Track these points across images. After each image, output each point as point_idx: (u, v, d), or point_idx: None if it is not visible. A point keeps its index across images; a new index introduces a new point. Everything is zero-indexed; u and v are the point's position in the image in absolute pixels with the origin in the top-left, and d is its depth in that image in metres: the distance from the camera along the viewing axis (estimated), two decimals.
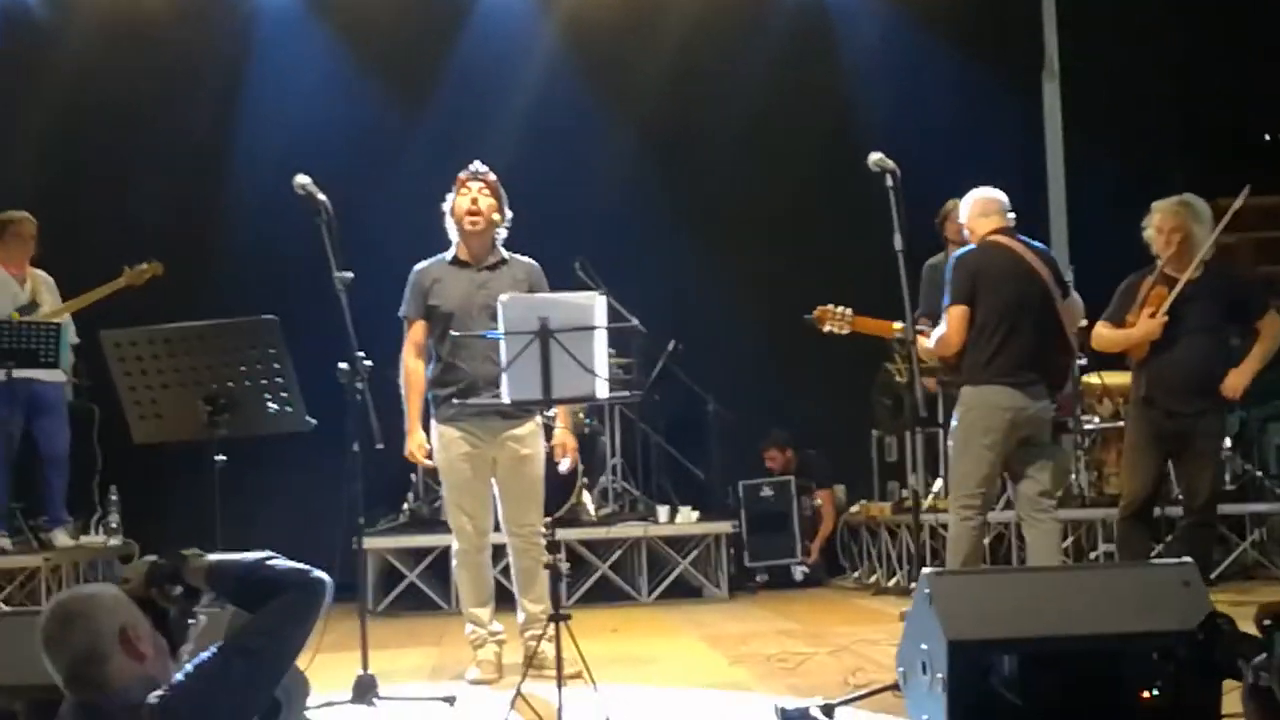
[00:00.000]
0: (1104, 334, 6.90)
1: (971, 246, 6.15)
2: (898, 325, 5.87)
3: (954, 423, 6.06)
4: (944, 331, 6.00)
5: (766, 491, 9.41)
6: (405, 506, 8.85)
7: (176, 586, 3.17)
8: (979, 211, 6.19)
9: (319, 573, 3.16)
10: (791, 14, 10.57)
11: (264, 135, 9.45)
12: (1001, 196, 6.22)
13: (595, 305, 4.75)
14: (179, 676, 2.97)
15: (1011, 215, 6.18)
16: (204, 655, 3.02)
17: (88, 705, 2.92)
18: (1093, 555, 8.53)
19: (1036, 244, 6.21)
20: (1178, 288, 6.63)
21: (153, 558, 3.19)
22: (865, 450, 9.56)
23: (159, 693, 2.89)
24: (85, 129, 9.78)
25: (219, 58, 10.03)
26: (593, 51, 10.37)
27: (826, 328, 6.15)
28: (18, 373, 7.80)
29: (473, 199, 5.90)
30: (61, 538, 8.29)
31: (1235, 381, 6.74)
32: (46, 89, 9.76)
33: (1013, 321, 5.93)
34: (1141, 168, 9.37)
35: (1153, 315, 6.63)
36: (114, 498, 8.68)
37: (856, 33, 10.53)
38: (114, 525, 8.68)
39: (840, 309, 6.11)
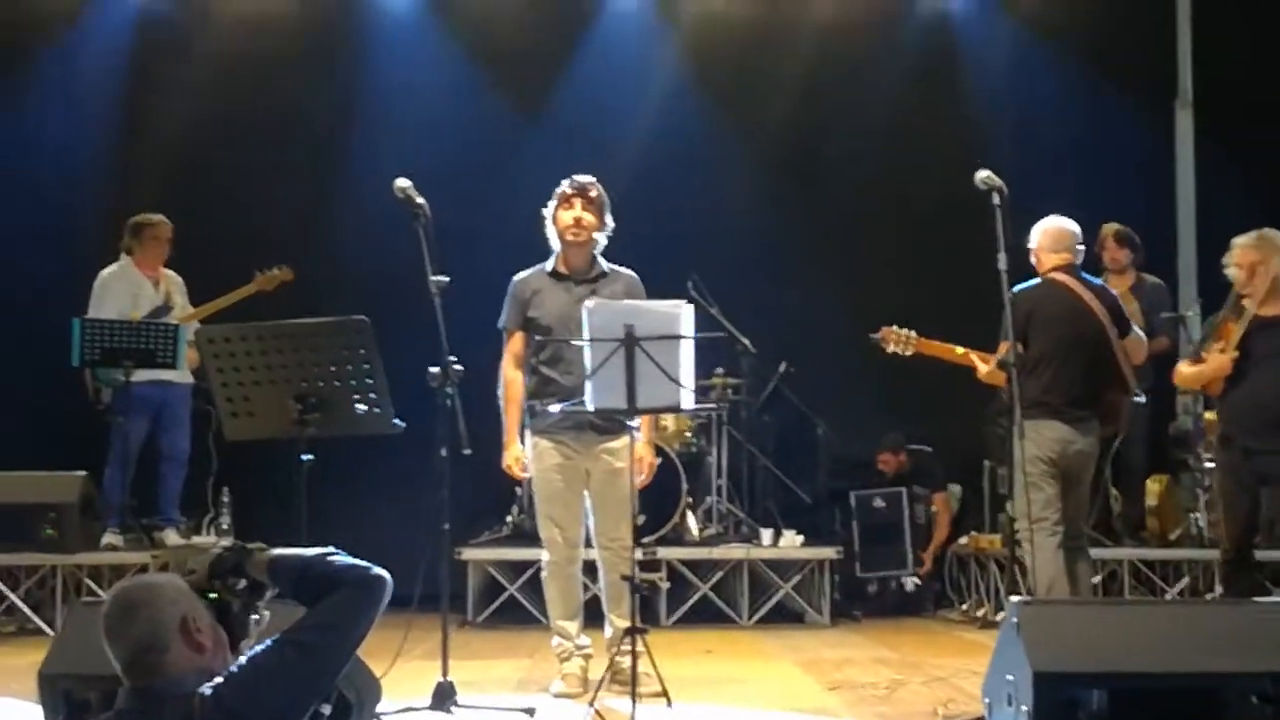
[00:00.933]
0: (1182, 371, 6.71)
1: (1034, 282, 6.32)
2: (960, 350, 5.89)
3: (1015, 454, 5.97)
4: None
5: (879, 502, 9.27)
6: (509, 519, 8.84)
7: (240, 580, 3.18)
8: (1049, 245, 6.37)
9: (379, 570, 3.15)
10: (918, 34, 10.45)
11: (380, 139, 9.54)
12: (1074, 229, 6.40)
13: (682, 314, 4.69)
14: (232, 668, 2.98)
15: (1081, 248, 6.42)
16: (258, 648, 3.04)
17: (142, 689, 2.95)
18: (1209, 597, 8.24)
19: (1095, 281, 6.45)
20: (1245, 321, 6.37)
21: (218, 550, 3.21)
22: (978, 480, 9.37)
23: (212, 683, 2.91)
24: (211, 134, 9.97)
25: (341, 63, 10.17)
26: (715, 68, 10.34)
27: (890, 348, 6.27)
28: (147, 374, 8.02)
29: (576, 215, 5.88)
30: (172, 537, 8.44)
31: None
32: (176, 96, 9.97)
33: (1064, 358, 6.18)
34: (1274, 199, 9.06)
35: (1223, 350, 6.39)
36: (226, 499, 8.81)
37: (985, 54, 10.38)
38: (225, 526, 8.80)
39: (904, 331, 6.22)
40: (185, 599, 3.03)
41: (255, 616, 3.21)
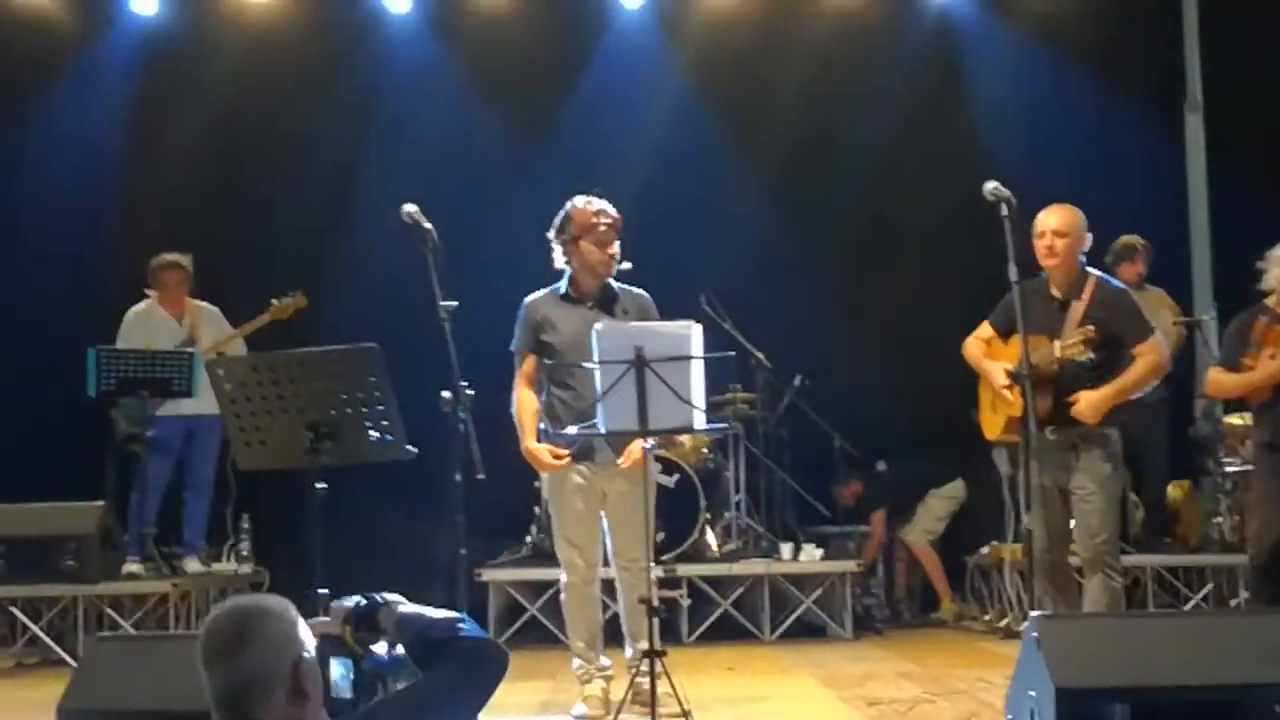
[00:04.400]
0: (1220, 380, 6.56)
1: None
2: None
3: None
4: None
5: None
6: (528, 539, 8.83)
7: (376, 635, 2.98)
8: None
9: (502, 647, 2.94)
10: (923, 41, 10.38)
11: (388, 164, 9.54)
12: None
13: (692, 334, 4.68)
14: None
15: None
16: (354, 714, 2.81)
17: None
18: (1233, 603, 8.18)
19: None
20: None
21: (358, 598, 3.02)
22: (998, 490, 9.31)
23: None
24: (221, 161, 9.99)
25: (348, 89, 10.17)
26: (719, 80, 10.30)
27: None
28: (176, 408, 8.08)
29: (611, 252, 5.84)
30: (193, 564, 8.46)
31: None
32: (185, 124, 10.00)
33: None
34: None
35: (1273, 356, 6.30)
36: (245, 525, 8.82)
37: (991, 60, 10.30)
38: (245, 553, 8.82)
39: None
40: (301, 637, 2.65)
41: (381, 683, 2.97)
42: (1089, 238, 5.86)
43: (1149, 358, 5.75)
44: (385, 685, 2.97)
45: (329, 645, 2.92)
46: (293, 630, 2.63)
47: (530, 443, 5.82)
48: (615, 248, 5.85)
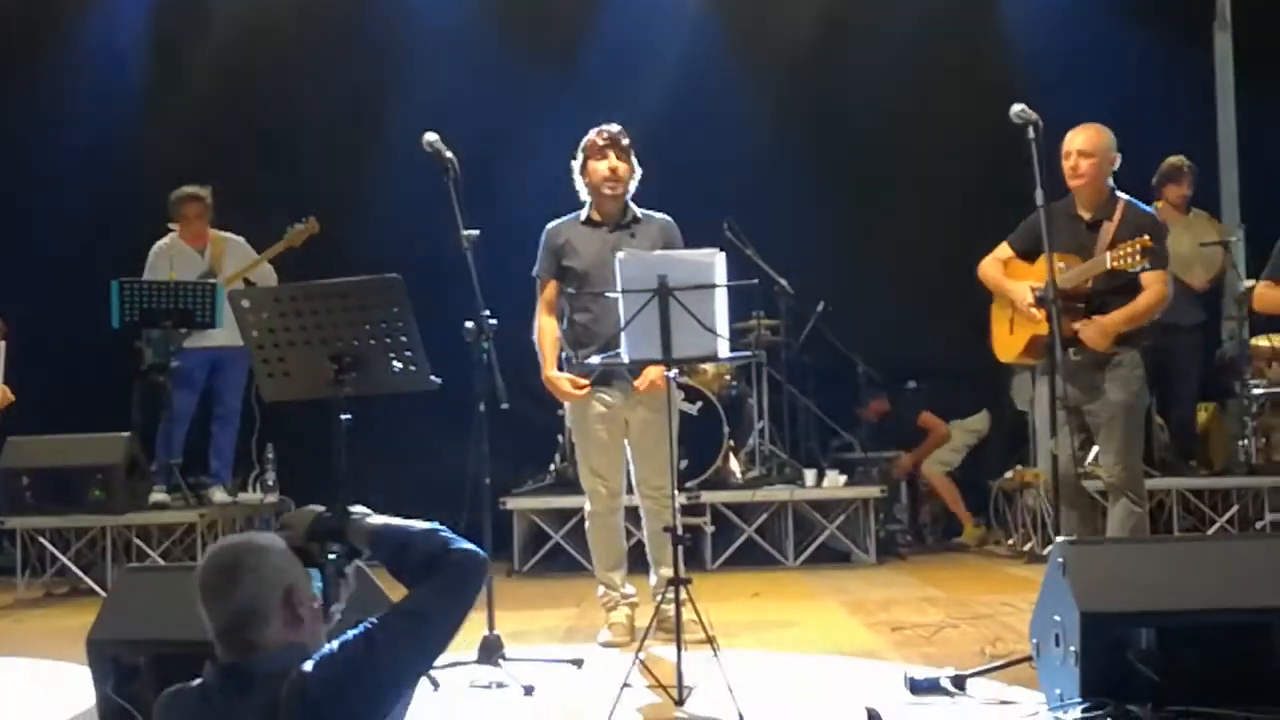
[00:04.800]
0: (1266, 294, 6.43)
1: None
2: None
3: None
4: None
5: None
6: (552, 468, 8.85)
7: (336, 544, 3.05)
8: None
9: (479, 551, 2.97)
10: None
11: (408, 95, 9.49)
12: None
13: (715, 263, 4.63)
14: (322, 652, 2.79)
15: None
16: (349, 634, 2.84)
17: (231, 668, 2.76)
18: (1259, 525, 8.17)
19: None
20: None
21: (319, 509, 3.09)
22: (1022, 414, 9.28)
23: (301, 669, 2.72)
24: (240, 93, 9.97)
25: (368, 19, 10.13)
26: (741, 6, 10.20)
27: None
28: (202, 340, 8.15)
29: (611, 165, 5.83)
30: (219, 494, 8.52)
31: None
32: (204, 54, 9.97)
33: None
34: None
35: None
36: (270, 455, 8.87)
37: None
38: (270, 483, 8.87)
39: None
40: (292, 566, 2.85)
41: (344, 579, 3.07)
42: (1117, 158, 5.77)
43: (1157, 288, 5.65)
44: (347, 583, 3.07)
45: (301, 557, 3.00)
46: (281, 560, 2.82)
47: (551, 371, 5.83)
48: (620, 166, 5.82)
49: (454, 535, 2.99)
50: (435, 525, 3.02)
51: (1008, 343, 5.97)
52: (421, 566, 2.93)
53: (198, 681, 2.81)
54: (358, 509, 3.10)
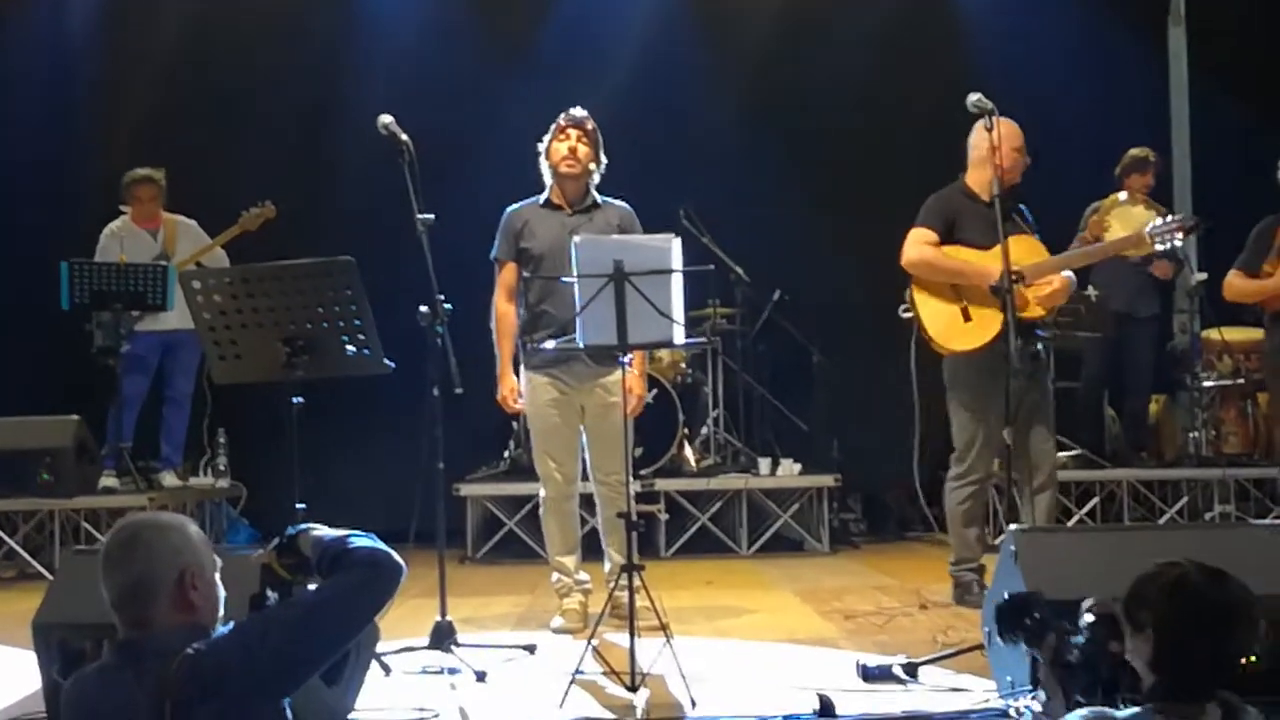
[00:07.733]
0: (1238, 284, 6.52)
1: None
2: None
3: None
4: None
5: None
6: (506, 454, 8.82)
7: (293, 558, 3.19)
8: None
9: (396, 557, 3.06)
10: None
11: (367, 77, 9.42)
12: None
13: (671, 248, 4.62)
14: (218, 632, 2.88)
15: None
16: (246, 620, 2.95)
17: (126, 644, 2.86)
18: (1208, 516, 8.24)
19: None
20: None
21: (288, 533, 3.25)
22: None
23: (194, 646, 2.78)
24: (195, 75, 9.84)
25: (328, 1, 10.03)
26: None
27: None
28: (154, 324, 8.07)
29: (571, 146, 5.85)
30: (170, 478, 8.44)
31: None
32: (159, 36, 9.86)
33: None
34: (1268, 115, 8.94)
35: None
36: (222, 440, 8.81)
37: None
38: (222, 468, 8.81)
39: None
40: (192, 551, 2.89)
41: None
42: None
43: None
44: None
45: (268, 575, 3.21)
46: (184, 544, 2.88)
47: (503, 384, 5.90)
48: (581, 148, 5.85)
49: (370, 538, 3.09)
50: (353, 531, 3.12)
51: (963, 331, 5.93)
52: (330, 562, 3.04)
53: (97, 664, 2.91)
54: (310, 525, 3.22)
